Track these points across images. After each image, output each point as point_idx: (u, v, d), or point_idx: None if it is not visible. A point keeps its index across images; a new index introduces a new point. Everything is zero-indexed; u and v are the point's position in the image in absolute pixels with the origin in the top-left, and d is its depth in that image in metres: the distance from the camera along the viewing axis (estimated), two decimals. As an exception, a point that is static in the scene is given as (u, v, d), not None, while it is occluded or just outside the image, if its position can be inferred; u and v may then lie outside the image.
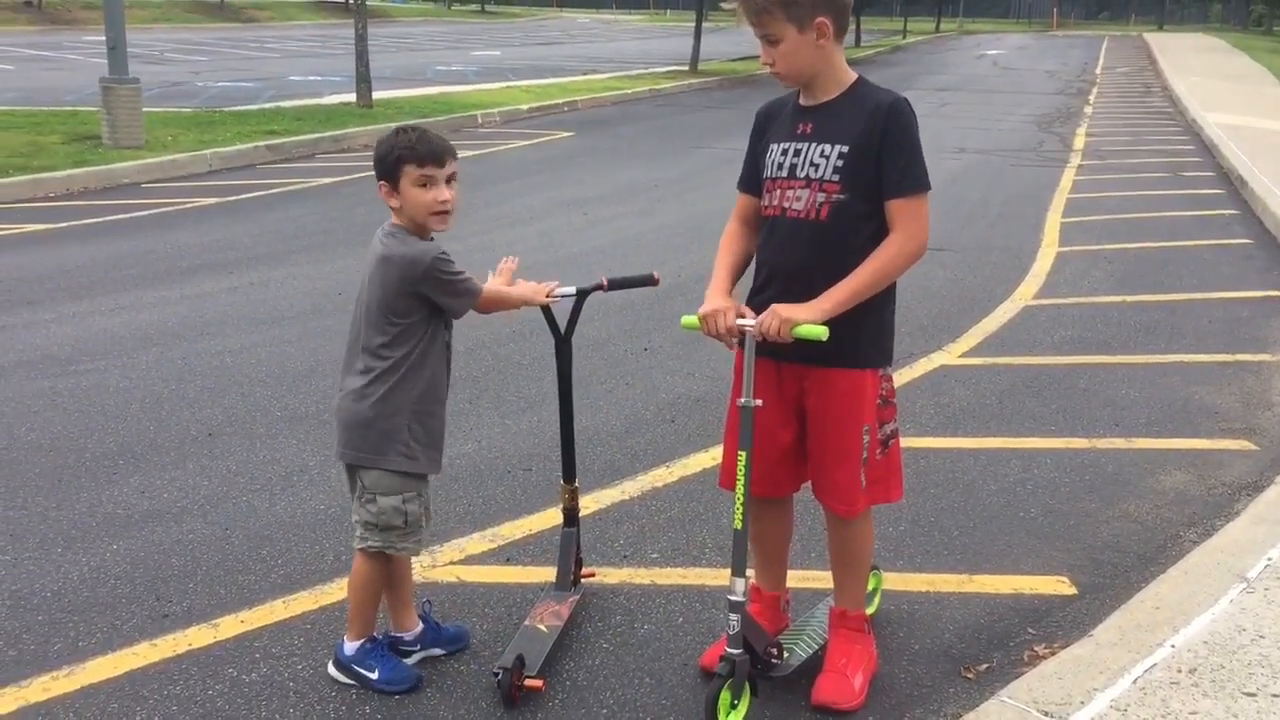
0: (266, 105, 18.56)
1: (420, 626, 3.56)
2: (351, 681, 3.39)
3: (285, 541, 4.32)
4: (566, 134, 17.30)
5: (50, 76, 23.60)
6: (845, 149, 3.19)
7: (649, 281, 3.73)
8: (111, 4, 13.86)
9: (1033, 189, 12.87)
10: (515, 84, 23.40)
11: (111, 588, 3.95)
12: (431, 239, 3.33)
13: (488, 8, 66.64)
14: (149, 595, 3.90)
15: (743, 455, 3.19)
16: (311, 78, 24.31)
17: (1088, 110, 21.62)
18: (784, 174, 3.29)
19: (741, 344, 3.31)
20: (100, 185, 12.25)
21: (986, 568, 4.23)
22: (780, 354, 3.25)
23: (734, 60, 30.84)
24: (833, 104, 3.26)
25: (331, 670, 3.44)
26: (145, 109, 14.48)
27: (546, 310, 3.66)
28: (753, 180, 3.45)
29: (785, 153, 3.30)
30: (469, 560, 4.21)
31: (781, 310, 3.12)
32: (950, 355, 6.86)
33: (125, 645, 3.59)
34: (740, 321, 3.21)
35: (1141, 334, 7.35)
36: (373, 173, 3.36)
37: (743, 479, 3.19)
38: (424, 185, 3.25)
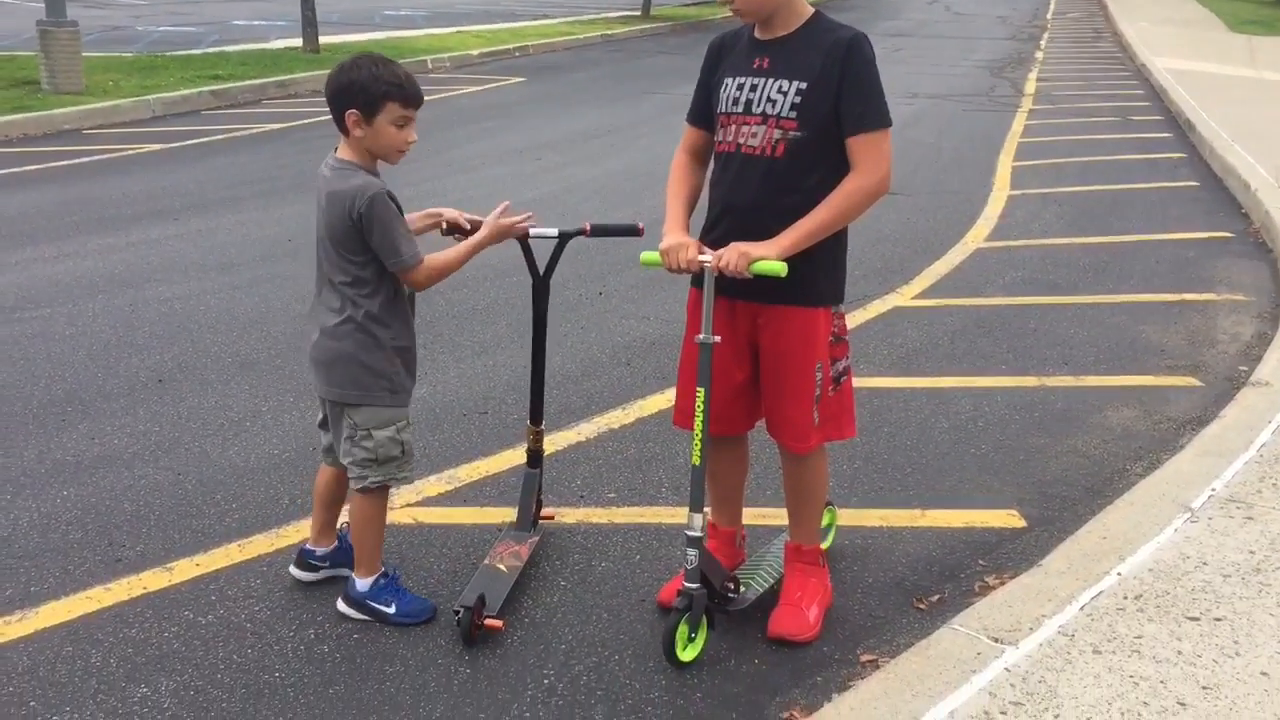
0: (210, 50, 18.14)
1: (334, 545, 3.58)
2: (365, 617, 3.39)
3: (239, 486, 4.29)
4: (518, 80, 17.10)
5: (-16, 21, 22.93)
6: (804, 85, 3.17)
7: (633, 232, 3.70)
8: (47, -56, 13.45)
9: (984, 133, 12.92)
10: (466, 29, 23.02)
11: (63, 533, 3.91)
12: (377, 174, 3.28)
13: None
14: (101, 540, 3.87)
15: (701, 392, 3.20)
16: (256, 22, 23.78)
17: (1039, 55, 21.68)
18: (739, 109, 3.27)
19: (699, 281, 3.31)
20: (40, 131, 11.96)
21: (938, 503, 4.29)
22: (735, 292, 3.25)
23: (687, 5, 30.57)
24: (790, 38, 3.24)
25: (342, 607, 3.43)
26: (85, 54, 14.12)
27: (526, 249, 3.64)
28: (702, 113, 3.43)
29: (741, 88, 3.27)
30: (425, 502, 4.20)
31: (740, 246, 3.12)
32: (903, 297, 6.91)
33: (78, 589, 3.56)
34: (700, 257, 3.21)
35: (1090, 275, 7.43)
36: (326, 113, 3.28)
37: (701, 416, 3.20)
38: (402, 125, 3.22)
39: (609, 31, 24.03)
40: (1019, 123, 13.68)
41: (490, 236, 3.44)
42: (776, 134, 3.20)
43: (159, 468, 4.43)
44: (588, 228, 3.60)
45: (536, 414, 3.80)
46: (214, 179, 9.91)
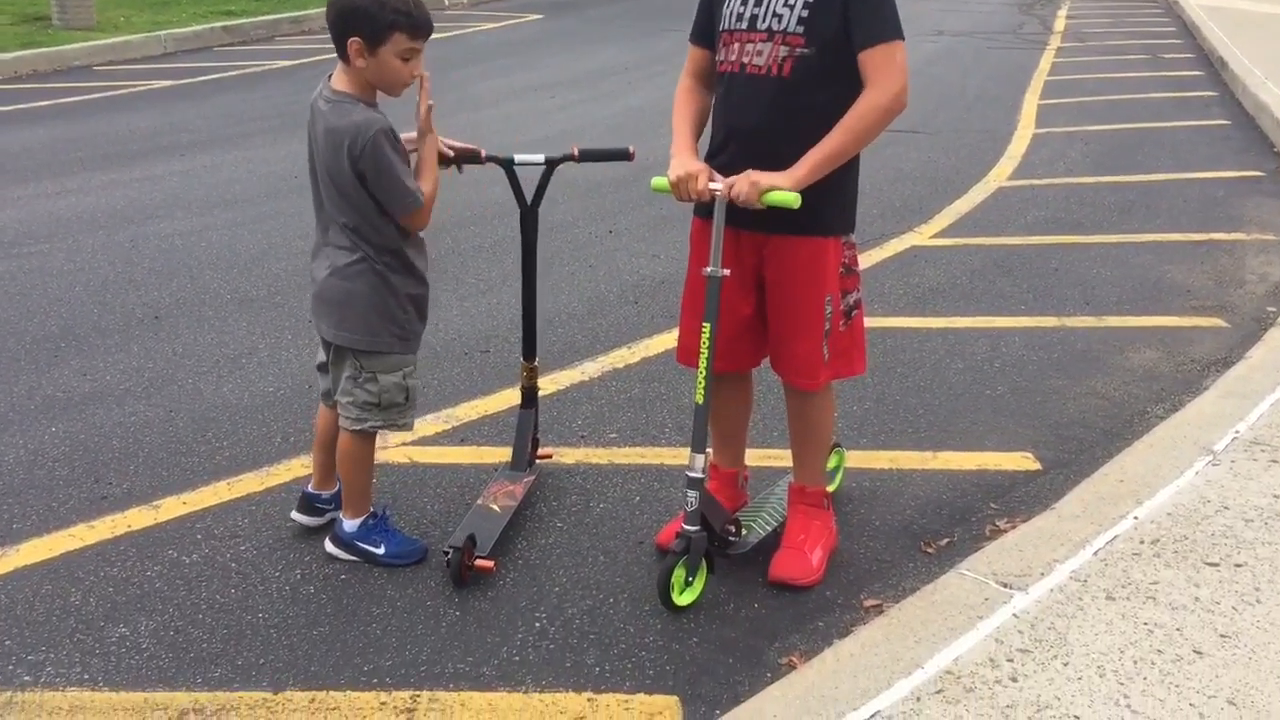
0: (224, -13, 17.90)
1: (337, 487, 3.44)
2: (354, 558, 3.28)
3: (231, 424, 4.19)
4: (536, 16, 16.80)
5: (-1, -42, 22.69)
6: None
7: (623, 155, 3.53)
8: (55, -124, 13.24)
9: (1011, 71, 12.59)
10: (483, -34, 22.65)
11: (49, 470, 3.82)
12: (376, 106, 3.11)
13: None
14: (87, 478, 3.78)
15: (707, 327, 3.05)
16: (272, -40, 23.45)
17: (1069, -7, 21.17)
18: (743, 26, 3.08)
19: (704, 210, 3.16)
20: (50, 68, 11.82)
21: (951, 445, 4.15)
22: (740, 221, 3.08)
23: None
24: None
25: (330, 548, 3.32)
26: (100, -11, 13.96)
27: (512, 177, 3.48)
28: (707, 32, 3.26)
29: (745, 2, 3.09)
30: (422, 442, 4.09)
31: (752, 175, 2.95)
32: (921, 236, 6.72)
33: (61, 527, 3.47)
34: (711, 185, 3.04)
35: (1116, 214, 7.21)
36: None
37: (706, 352, 3.05)
38: (408, 58, 3.01)
39: (629, -31, 23.57)
40: (1047, 60, 13.34)
41: (431, 145, 3.19)
42: (783, 51, 3.02)
43: (150, 404, 4.33)
44: (575, 152, 3.44)
45: (529, 349, 3.67)
46: (223, 115, 9.76)
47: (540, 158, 3.44)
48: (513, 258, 6.17)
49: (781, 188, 2.93)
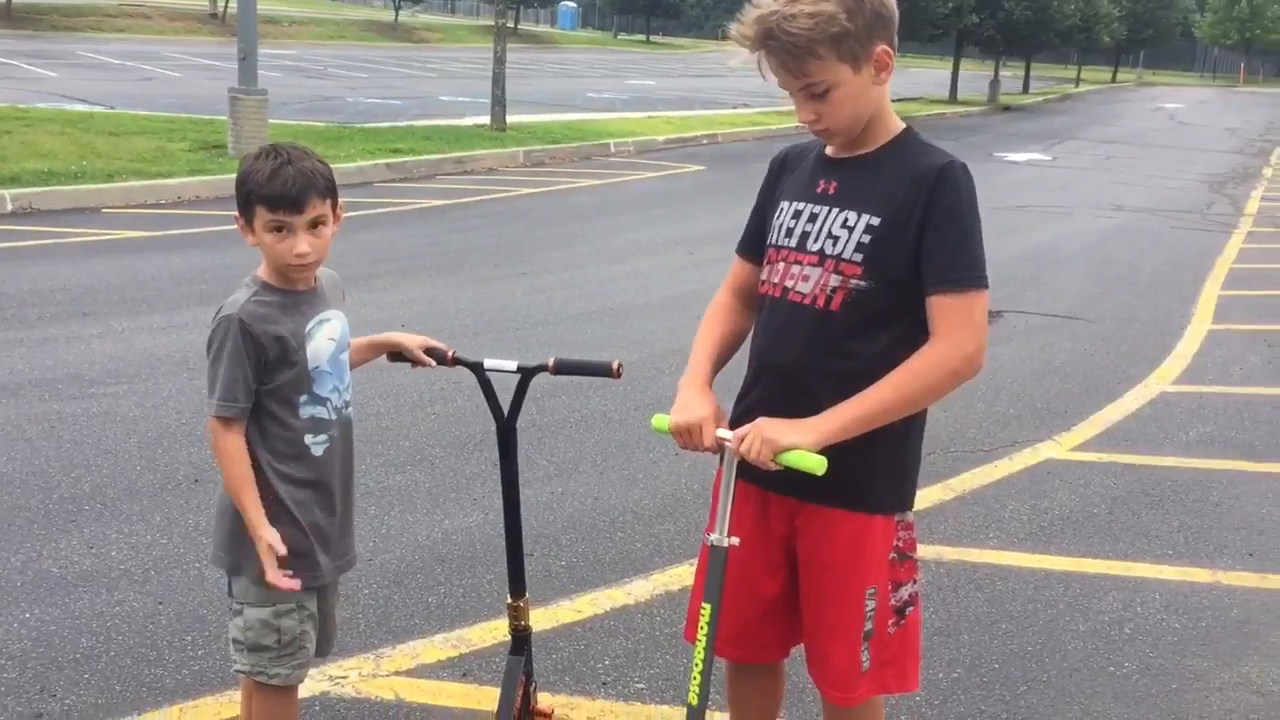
0: (400, 124, 18.48)
1: None
2: None
3: (218, 623, 3.73)
4: (697, 168, 16.69)
5: (210, 85, 24.08)
6: (876, 221, 2.42)
7: (605, 371, 2.99)
8: (245, 16, 13.88)
9: (1192, 255, 11.65)
10: (659, 114, 22.93)
11: (-2, 669, 3.44)
12: (285, 292, 2.64)
13: (653, 38, 66.79)
14: (33, 686, 3.35)
15: (706, 609, 2.43)
16: (460, 99, 24.29)
17: (1267, 172, 19.96)
18: (791, 243, 2.53)
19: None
20: (211, 195, 12.13)
21: (1051, 743, 3.38)
22: (766, 479, 2.49)
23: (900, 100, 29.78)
24: (870, 159, 2.48)
25: None
26: (285, 121, 14.48)
27: (484, 383, 2.97)
28: (756, 243, 2.71)
29: (797, 216, 2.54)
30: (419, 671, 3.55)
31: (766, 428, 2.37)
32: (1060, 447, 5.92)
33: (-23, 749, 3.06)
34: (721, 433, 2.48)
35: (1297, 438, 6.28)
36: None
37: (704, 639, 2.42)
38: (277, 231, 2.56)
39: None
40: (1234, 245, 12.34)
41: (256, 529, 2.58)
42: (833, 280, 2.45)
43: (142, 592, 3.93)
44: (551, 364, 2.93)
45: (516, 585, 3.08)
46: (355, 254, 9.68)
47: (513, 365, 2.94)
48: (595, 438, 5.70)
49: (801, 447, 2.33)
